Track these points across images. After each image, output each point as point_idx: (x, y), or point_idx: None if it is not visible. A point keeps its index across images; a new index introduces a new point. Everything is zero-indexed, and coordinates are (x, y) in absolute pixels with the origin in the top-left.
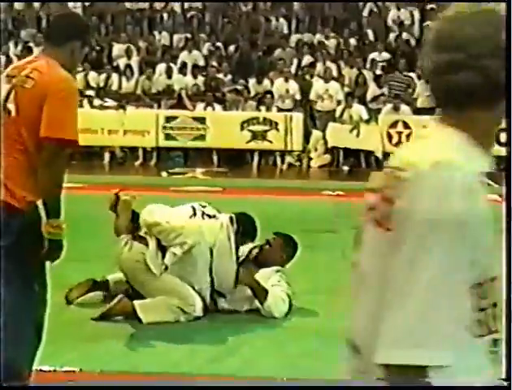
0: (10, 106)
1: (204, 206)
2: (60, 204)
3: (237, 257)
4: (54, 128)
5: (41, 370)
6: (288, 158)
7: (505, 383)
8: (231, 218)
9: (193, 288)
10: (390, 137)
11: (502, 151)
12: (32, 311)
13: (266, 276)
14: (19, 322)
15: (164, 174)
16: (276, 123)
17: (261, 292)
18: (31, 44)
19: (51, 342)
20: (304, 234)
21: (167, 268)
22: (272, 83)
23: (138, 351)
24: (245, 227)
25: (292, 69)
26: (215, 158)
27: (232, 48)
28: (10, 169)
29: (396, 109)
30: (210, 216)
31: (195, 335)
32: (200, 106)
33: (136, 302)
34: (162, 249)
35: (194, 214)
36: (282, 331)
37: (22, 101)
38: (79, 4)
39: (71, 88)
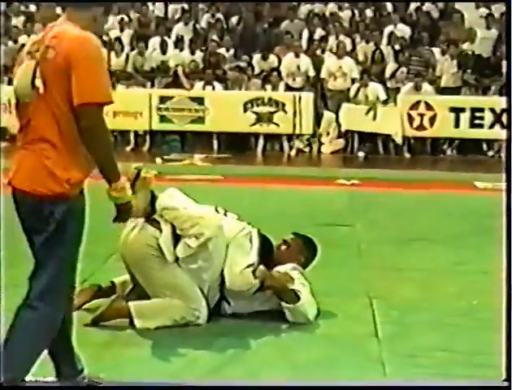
0: (38, 82)
1: (226, 211)
2: (117, 166)
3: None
4: (87, 94)
5: (22, 380)
6: (297, 143)
7: (506, 383)
8: (257, 230)
9: (201, 291)
10: (411, 120)
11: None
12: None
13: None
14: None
15: (158, 160)
16: (283, 104)
17: (289, 294)
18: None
19: None
20: (315, 228)
21: (177, 259)
22: (279, 59)
23: (131, 359)
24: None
25: (302, 44)
26: (216, 142)
27: (234, 20)
28: (48, 152)
29: (417, 88)
30: (233, 219)
31: (195, 341)
32: (198, 84)
33: (132, 304)
34: (176, 237)
35: (216, 211)
36: (290, 337)
37: (47, 75)
38: None
39: (94, 47)
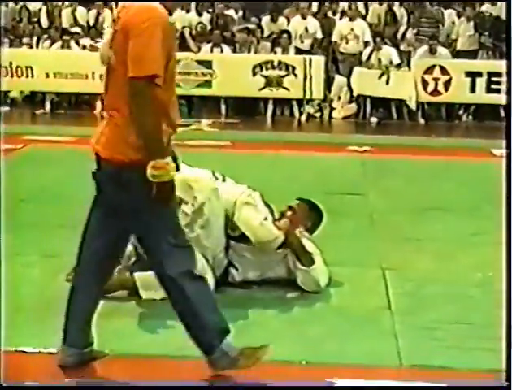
0: (110, 51)
1: (225, 176)
2: (161, 143)
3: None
4: (133, 67)
5: (23, 352)
6: (308, 108)
7: (505, 383)
8: (259, 194)
9: (206, 260)
10: (425, 84)
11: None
12: None
13: None
14: None
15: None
16: (294, 68)
17: (307, 255)
18: None
19: (37, 320)
20: (326, 197)
21: None
22: (289, 21)
23: (136, 332)
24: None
25: (313, 5)
26: (223, 107)
27: None
28: (118, 120)
29: (432, 51)
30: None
31: None
32: (206, 47)
33: (137, 275)
34: None
35: (213, 175)
36: (300, 309)
37: (115, 45)
38: None
39: (151, 18)
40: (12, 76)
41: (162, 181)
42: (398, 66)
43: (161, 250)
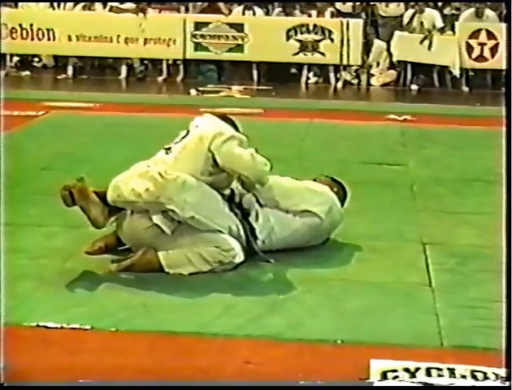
0: None
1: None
2: None
3: None
4: None
5: (45, 327)
6: (344, 75)
7: (506, 384)
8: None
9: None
10: (470, 50)
11: None
12: None
13: None
14: None
15: (193, 92)
16: (330, 32)
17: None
18: None
19: (58, 293)
20: (364, 167)
21: (179, 222)
22: None
23: (161, 307)
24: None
25: None
26: (255, 73)
27: None
28: None
29: (478, 14)
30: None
31: (231, 288)
32: (237, 9)
33: (161, 254)
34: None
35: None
36: (337, 284)
37: None
38: None
39: None
40: (33, 39)
41: None
42: (441, 30)
43: None
